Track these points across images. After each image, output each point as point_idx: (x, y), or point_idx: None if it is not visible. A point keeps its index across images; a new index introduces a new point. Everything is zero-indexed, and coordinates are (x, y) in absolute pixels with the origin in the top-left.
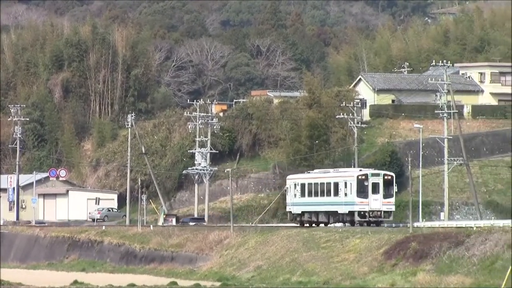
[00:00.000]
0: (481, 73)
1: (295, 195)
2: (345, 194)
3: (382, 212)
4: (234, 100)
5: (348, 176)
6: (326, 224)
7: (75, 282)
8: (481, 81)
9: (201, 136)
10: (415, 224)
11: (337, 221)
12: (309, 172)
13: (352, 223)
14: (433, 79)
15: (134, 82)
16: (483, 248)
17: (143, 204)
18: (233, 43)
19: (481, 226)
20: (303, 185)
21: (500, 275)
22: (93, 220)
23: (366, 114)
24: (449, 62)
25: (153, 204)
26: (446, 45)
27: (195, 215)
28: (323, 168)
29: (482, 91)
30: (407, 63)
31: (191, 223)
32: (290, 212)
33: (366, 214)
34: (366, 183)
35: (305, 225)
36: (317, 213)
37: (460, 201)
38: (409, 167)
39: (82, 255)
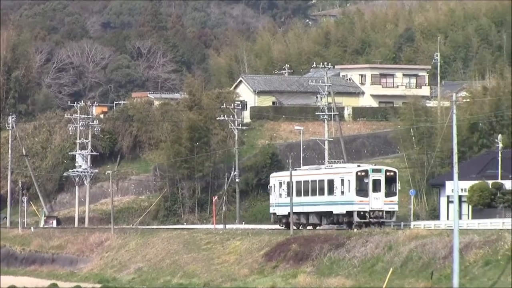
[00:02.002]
0: (361, 75)
1: (280, 194)
2: (342, 193)
3: (384, 212)
4: (115, 102)
5: (345, 172)
6: (315, 226)
7: None
8: (362, 83)
9: (82, 138)
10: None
11: (332, 223)
12: (295, 169)
13: (350, 224)
14: (314, 81)
15: (15, 84)
16: (364, 250)
17: (24, 206)
18: (113, 45)
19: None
20: (289, 184)
21: (381, 277)
22: None
23: (246, 116)
24: (329, 64)
25: (33, 206)
26: (327, 47)
27: (76, 217)
28: None
29: (363, 93)
30: (288, 65)
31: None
32: (274, 213)
33: (366, 214)
34: (366, 180)
35: (293, 227)
36: (307, 214)
37: None
38: (290, 169)
39: None
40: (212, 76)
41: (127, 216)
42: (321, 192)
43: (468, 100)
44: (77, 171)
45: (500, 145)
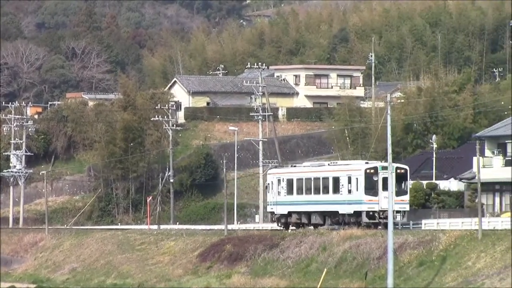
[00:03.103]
0: (296, 76)
1: (279, 192)
2: (349, 191)
3: (395, 212)
4: (49, 103)
5: (353, 169)
6: (316, 226)
7: None
8: (296, 84)
9: (16, 139)
10: (230, 227)
11: (337, 223)
12: (295, 166)
13: (357, 225)
14: (248, 82)
15: None
16: (298, 250)
17: None
18: (48, 46)
19: (296, 229)
20: (290, 181)
21: (315, 278)
22: None
23: (181, 116)
24: (264, 64)
25: None
26: (261, 47)
27: (10, 218)
28: None
29: (297, 93)
30: (222, 66)
31: None
32: (272, 212)
33: (376, 214)
34: (375, 178)
35: (292, 227)
36: (308, 214)
37: None
38: (224, 169)
39: None
40: (147, 76)
41: (61, 216)
42: (326, 191)
43: (402, 100)
44: (11, 172)
45: (435, 145)
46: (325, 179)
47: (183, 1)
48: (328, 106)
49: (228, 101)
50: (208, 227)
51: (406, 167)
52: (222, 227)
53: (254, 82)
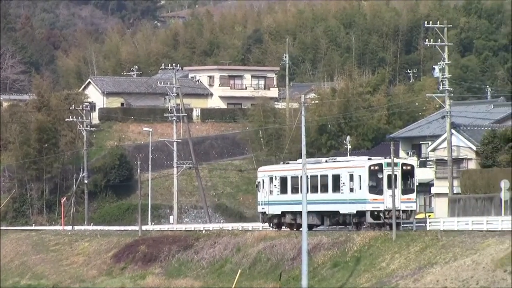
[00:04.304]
0: (210, 77)
1: (271, 191)
2: (351, 190)
3: (401, 212)
4: None
5: (355, 166)
6: (310, 227)
7: None
8: (210, 85)
9: None
10: (144, 228)
11: (337, 223)
12: (288, 163)
13: (359, 225)
14: (162, 83)
15: None
16: (212, 251)
17: None
18: None
19: (210, 230)
20: (283, 179)
21: (229, 279)
22: None
23: (95, 117)
24: (178, 65)
25: None
26: (175, 48)
27: None
28: None
29: (211, 94)
30: (136, 67)
31: None
32: (264, 213)
33: (381, 214)
34: (380, 175)
35: (285, 228)
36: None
37: (189, 204)
38: (139, 170)
39: None
40: (61, 77)
41: None
42: (324, 189)
43: (316, 101)
44: None
45: (349, 146)
46: (324, 176)
47: (97, 2)
48: (242, 107)
49: (142, 102)
50: (122, 228)
51: (413, 163)
52: (136, 228)
53: (168, 83)
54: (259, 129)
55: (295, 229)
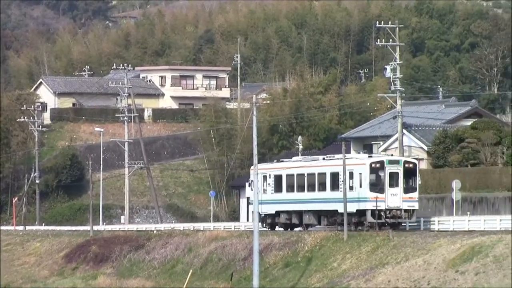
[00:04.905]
0: (161, 77)
1: (265, 190)
2: (351, 188)
3: (403, 211)
4: None
5: (355, 164)
6: (306, 227)
7: None
8: (162, 85)
9: None
10: (96, 228)
11: (334, 223)
12: (282, 161)
13: (359, 225)
14: (114, 83)
15: None
16: (164, 251)
17: None
18: None
19: (162, 230)
20: (278, 177)
21: (181, 279)
22: None
23: (47, 117)
24: (130, 65)
25: None
26: (127, 48)
27: None
28: None
29: (163, 94)
30: (88, 67)
31: None
32: (257, 212)
33: (382, 213)
34: (381, 173)
35: (279, 228)
36: (300, 213)
37: (141, 204)
38: (90, 170)
39: None
40: (13, 77)
41: None
42: (322, 187)
43: (268, 101)
44: None
45: (300, 146)
46: (321, 174)
47: (49, 2)
48: (194, 107)
49: (94, 102)
50: (73, 228)
51: (415, 161)
52: (87, 228)
53: (120, 83)
54: (210, 129)
55: (289, 229)
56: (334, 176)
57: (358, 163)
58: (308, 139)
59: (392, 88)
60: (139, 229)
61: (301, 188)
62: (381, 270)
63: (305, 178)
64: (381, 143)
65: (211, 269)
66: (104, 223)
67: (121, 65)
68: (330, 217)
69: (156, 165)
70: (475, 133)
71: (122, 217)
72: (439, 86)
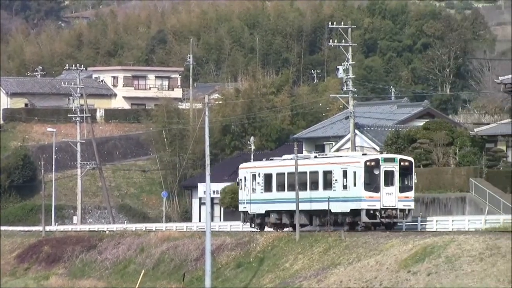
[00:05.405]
0: (114, 77)
1: (254, 189)
2: (345, 187)
3: (398, 211)
4: None
5: (349, 162)
6: (294, 227)
7: None
8: (114, 85)
9: None
10: (48, 228)
11: (326, 223)
12: (272, 159)
13: (353, 225)
14: (66, 83)
15: None
16: (116, 252)
17: None
18: None
19: (114, 230)
20: (268, 176)
21: (133, 279)
22: None
23: None
24: (82, 66)
25: None
26: (79, 49)
27: None
28: None
29: (115, 95)
30: (41, 67)
31: None
32: (246, 212)
33: (377, 213)
34: (376, 172)
35: (268, 228)
36: (291, 213)
37: (93, 204)
38: (42, 171)
39: None
40: None
41: None
42: (314, 186)
43: (220, 102)
44: None
45: (253, 147)
46: (314, 173)
47: (1, 3)
48: (146, 107)
49: (46, 102)
50: (26, 228)
51: (411, 159)
52: (40, 228)
53: (72, 83)
54: (162, 130)
55: (279, 230)
56: (327, 174)
57: (352, 161)
58: (260, 140)
59: (345, 88)
60: (91, 230)
61: (291, 187)
62: (333, 270)
63: (297, 177)
64: (333, 143)
65: (163, 270)
66: (57, 224)
67: (73, 65)
68: (322, 217)
69: (109, 166)
70: (427, 133)
71: (75, 217)
72: (391, 87)
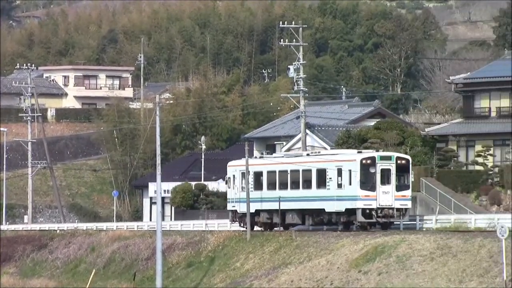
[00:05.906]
0: (65, 76)
1: (243, 188)
2: (340, 186)
3: (395, 210)
4: None
5: (345, 160)
6: (287, 227)
7: None
8: (65, 85)
9: None
10: None
11: (321, 223)
12: (262, 157)
13: (348, 225)
14: (17, 82)
15: None
16: (67, 251)
17: None
18: None
19: (65, 229)
20: (258, 174)
21: (84, 278)
22: None
23: None
24: (33, 65)
25: None
26: (30, 48)
27: None
28: None
29: (66, 94)
30: None
31: None
32: (235, 211)
33: (373, 212)
34: (372, 170)
35: (258, 228)
36: (283, 213)
37: (44, 204)
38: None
39: None
40: None
41: None
42: (307, 185)
43: (171, 101)
44: None
45: (203, 146)
46: (307, 171)
47: None
48: (97, 107)
49: None
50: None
51: (408, 157)
52: None
53: (23, 82)
54: (113, 129)
55: (269, 229)
56: (321, 173)
57: (347, 159)
58: (211, 139)
59: (296, 88)
60: (42, 229)
61: (283, 186)
62: (284, 270)
63: (288, 176)
64: (284, 143)
65: (114, 269)
66: (7, 223)
67: (24, 64)
68: (316, 217)
69: (59, 165)
70: (378, 133)
71: (25, 216)
72: (342, 86)
